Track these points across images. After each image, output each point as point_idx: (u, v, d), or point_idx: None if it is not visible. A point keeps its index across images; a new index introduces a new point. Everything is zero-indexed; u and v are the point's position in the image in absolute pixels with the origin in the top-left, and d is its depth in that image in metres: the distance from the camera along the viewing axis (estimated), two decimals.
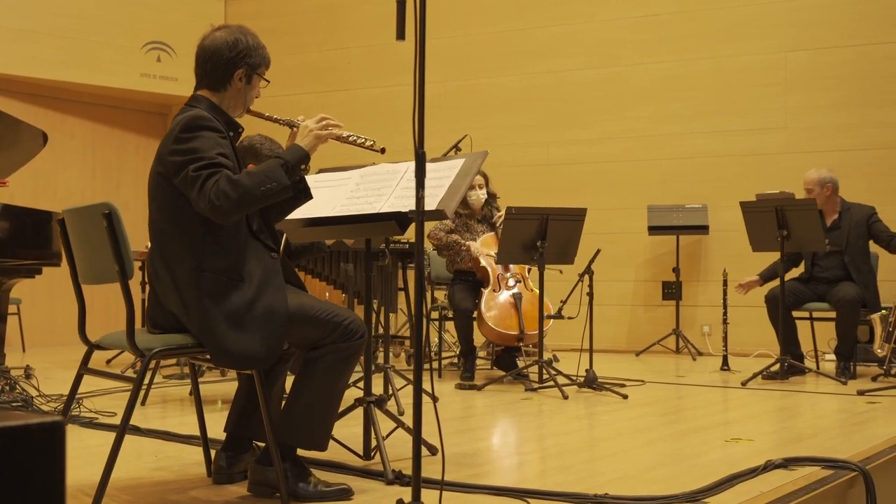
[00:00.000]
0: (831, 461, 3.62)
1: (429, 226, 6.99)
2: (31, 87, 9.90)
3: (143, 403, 5.33)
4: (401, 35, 2.28)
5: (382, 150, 3.28)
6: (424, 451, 3.72)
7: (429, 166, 3.57)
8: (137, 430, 4.34)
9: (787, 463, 3.57)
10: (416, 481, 2.21)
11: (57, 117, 10.23)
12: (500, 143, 9.55)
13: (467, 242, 6.71)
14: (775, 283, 6.74)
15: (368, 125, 9.16)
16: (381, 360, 5.36)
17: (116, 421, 4.47)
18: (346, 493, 3.12)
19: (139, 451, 3.97)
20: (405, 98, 10.88)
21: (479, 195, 6.78)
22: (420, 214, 2.26)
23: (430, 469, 3.14)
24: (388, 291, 5.69)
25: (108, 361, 7.48)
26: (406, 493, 2.81)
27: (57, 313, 9.83)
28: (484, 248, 6.66)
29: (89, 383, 5.66)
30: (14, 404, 4.87)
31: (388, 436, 3.71)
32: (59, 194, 9.94)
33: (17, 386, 5.11)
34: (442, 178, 3.49)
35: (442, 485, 2.68)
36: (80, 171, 10.45)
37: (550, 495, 3.13)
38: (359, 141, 3.28)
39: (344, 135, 3.25)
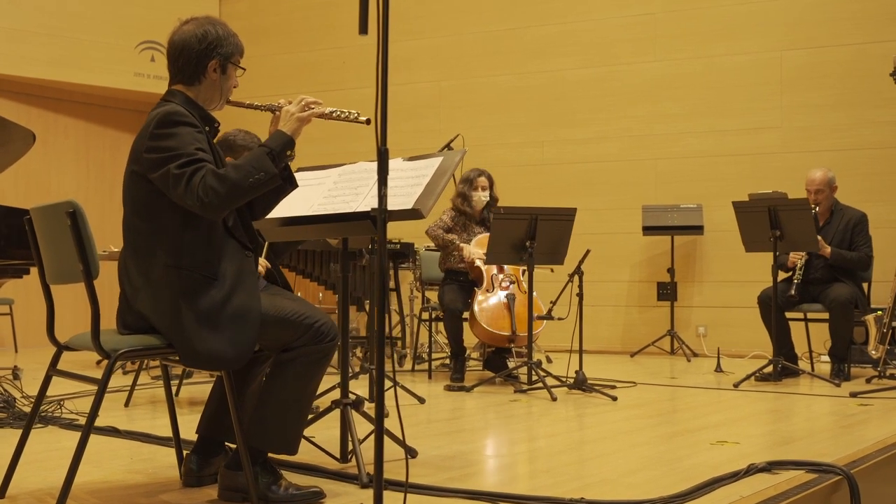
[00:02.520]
0: (815, 465, 3.56)
1: (425, 222, 6.94)
2: (25, 86, 9.87)
3: (126, 405, 5.29)
4: (363, 30, 2.22)
5: (368, 121, 3.20)
6: (403, 453, 3.67)
7: (406, 165, 3.54)
8: (116, 432, 4.30)
9: (771, 466, 3.51)
10: (378, 485, 2.16)
11: (50, 117, 10.20)
12: (494, 143, 9.52)
13: (461, 244, 6.66)
14: (768, 283, 6.68)
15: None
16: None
17: (98, 423, 4.43)
18: (318, 496, 3.07)
19: (115, 453, 3.93)
20: (398, 98, 10.87)
21: (482, 197, 6.74)
22: (382, 213, 2.20)
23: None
24: (374, 291, 5.64)
25: (98, 362, 7.43)
26: (385, 496, 2.75)
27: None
28: (478, 248, 6.60)
29: (75, 385, 5.63)
30: None
31: (365, 438, 3.66)
32: (52, 194, 9.89)
33: (0, 388, 5.06)
34: (420, 176, 3.44)
35: (406, 487, 2.62)
36: (75, 171, 10.42)
37: (524, 499, 3.07)
38: (343, 115, 3.22)
39: (327, 111, 3.19)
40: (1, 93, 9.67)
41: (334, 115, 3.22)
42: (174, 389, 5.72)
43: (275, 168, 2.94)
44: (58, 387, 5.31)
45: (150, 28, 10.22)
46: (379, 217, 2.20)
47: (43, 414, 4.61)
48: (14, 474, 3.17)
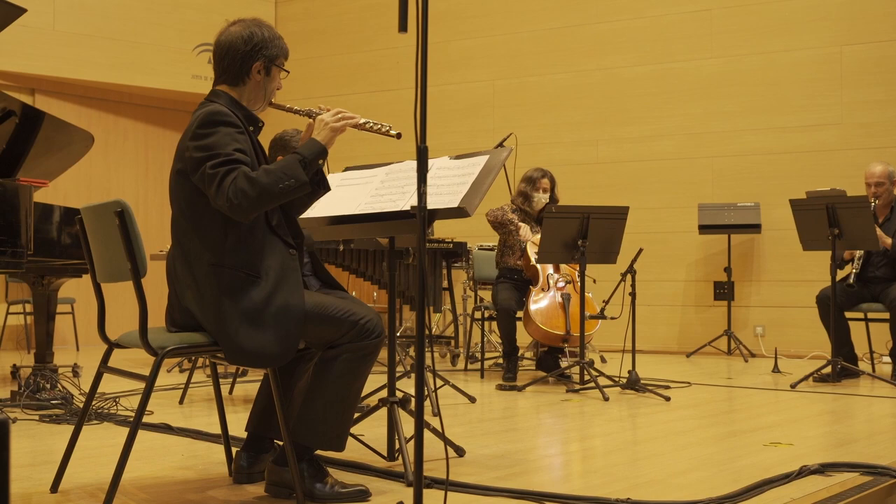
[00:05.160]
0: (870, 467, 3.49)
1: (480, 220, 6.95)
2: (85, 89, 10.05)
3: (180, 402, 5.36)
4: (403, 27, 2.23)
5: (398, 136, 3.22)
6: (450, 451, 3.68)
7: (453, 163, 3.54)
8: (169, 429, 4.36)
9: (824, 468, 3.45)
10: (419, 481, 2.17)
11: (110, 119, 10.38)
12: (549, 142, 9.48)
13: (520, 223, 6.66)
14: (827, 282, 6.55)
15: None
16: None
17: (152, 420, 4.51)
18: (363, 493, 3.08)
19: (167, 449, 3.98)
20: (453, 97, 10.80)
21: (543, 198, 6.74)
22: (422, 210, 2.21)
23: (454, 471, 3.08)
24: (426, 290, 5.64)
25: None
26: (428, 494, 2.75)
27: (110, 312, 9.94)
28: (535, 244, 6.59)
29: (132, 383, 5.73)
30: (53, 402, 4.93)
31: (412, 437, 3.66)
32: (112, 195, 10.05)
33: (59, 384, 5.17)
34: (465, 174, 3.43)
35: (447, 485, 2.62)
36: (134, 173, 10.60)
37: (570, 499, 3.05)
38: (375, 127, 3.24)
39: (361, 121, 3.21)
40: (62, 96, 9.88)
41: (367, 125, 3.24)
42: (228, 387, 5.79)
43: (305, 176, 2.97)
44: (116, 384, 5.42)
45: (207, 31, 10.35)
46: (419, 214, 2.20)
47: (99, 410, 4.69)
48: (67, 469, 3.23)
